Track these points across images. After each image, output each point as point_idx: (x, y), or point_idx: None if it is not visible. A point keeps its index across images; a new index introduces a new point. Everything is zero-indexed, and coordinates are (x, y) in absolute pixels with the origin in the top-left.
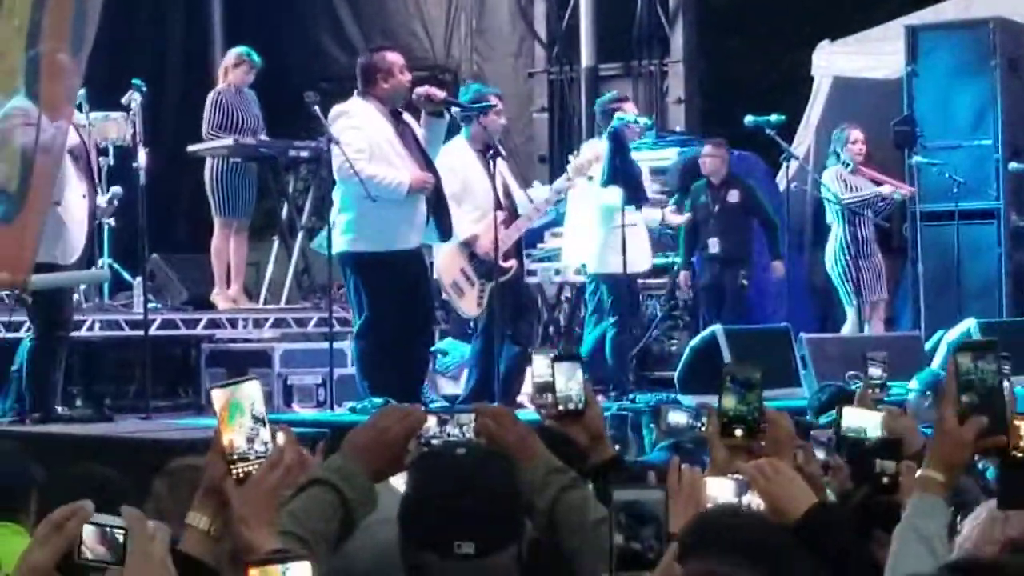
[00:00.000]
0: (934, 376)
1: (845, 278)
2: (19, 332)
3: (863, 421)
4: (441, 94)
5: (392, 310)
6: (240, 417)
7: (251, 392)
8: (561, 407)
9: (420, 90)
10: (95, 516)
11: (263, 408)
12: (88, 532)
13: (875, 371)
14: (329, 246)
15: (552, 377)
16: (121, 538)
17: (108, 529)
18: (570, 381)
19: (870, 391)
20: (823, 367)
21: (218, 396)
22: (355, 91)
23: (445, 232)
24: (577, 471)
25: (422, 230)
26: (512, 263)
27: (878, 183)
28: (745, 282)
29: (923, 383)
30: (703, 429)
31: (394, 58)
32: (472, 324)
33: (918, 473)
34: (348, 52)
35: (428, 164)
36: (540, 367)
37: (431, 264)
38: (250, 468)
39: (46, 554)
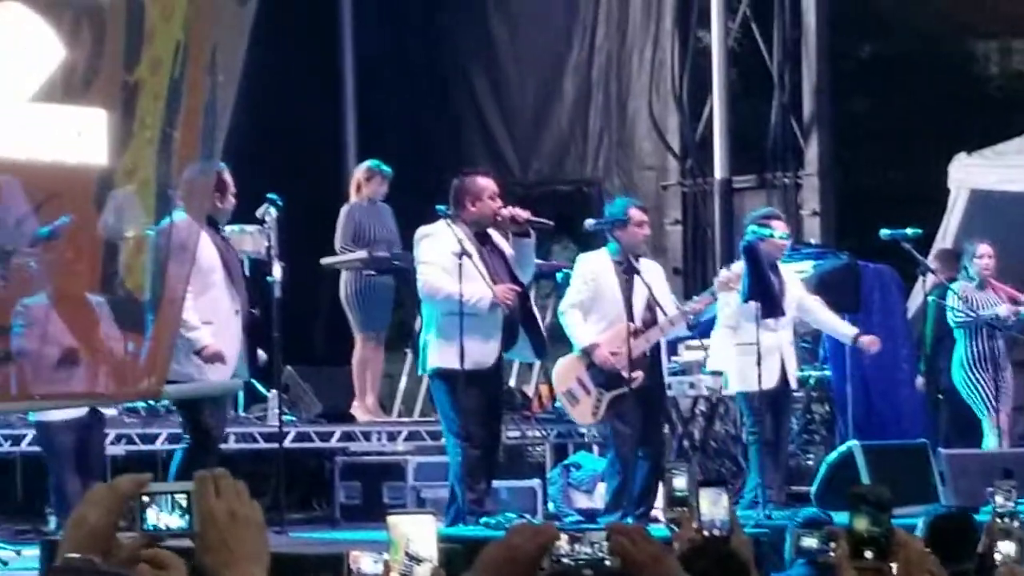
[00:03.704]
0: None
1: (973, 392)
2: (154, 444)
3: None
4: (524, 214)
5: (469, 424)
6: (394, 553)
7: (415, 528)
8: (706, 532)
9: (504, 211)
10: (157, 484)
11: (425, 546)
12: (149, 501)
13: (1001, 499)
14: (419, 364)
15: (694, 498)
16: (185, 503)
17: (170, 496)
18: (715, 506)
19: (998, 520)
20: (962, 483)
21: (390, 524)
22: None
23: (540, 349)
24: None
25: (498, 347)
26: (637, 374)
27: (1014, 299)
28: None
29: None
30: (833, 555)
31: (485, 183)
32: (604, 437)
33: None
34: (501, 168)
35: (516, 283)
36: (676, 481)
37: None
38: None
39: (104, 515)
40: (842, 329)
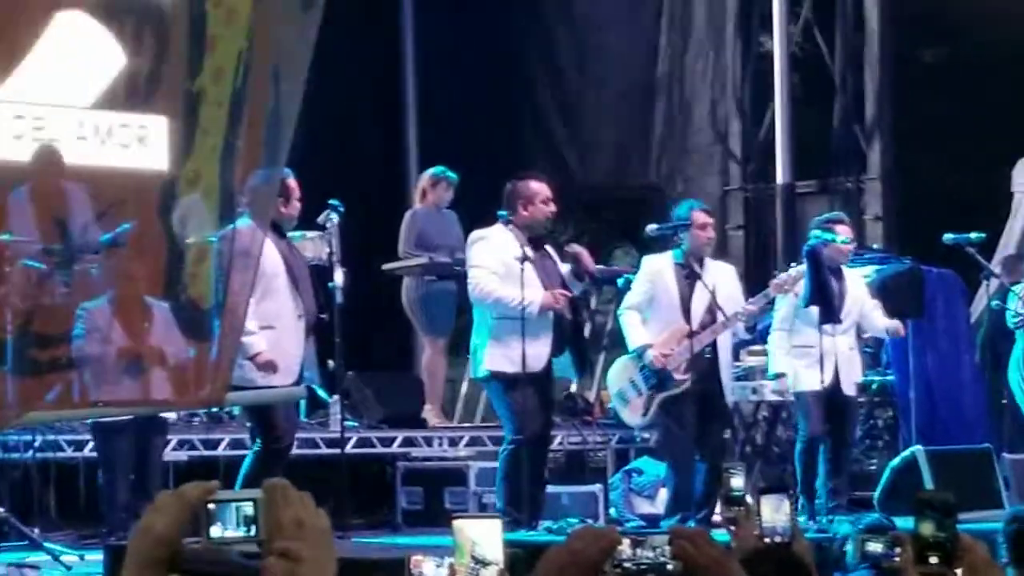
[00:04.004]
0: None
1: None
2: (216, 450)
3: None
4: (591, 265)
5: (522, 427)
6: (460, 557)
7: (481, 532)
8: (767, 539)
9: (575, 248)
10: (224, 492)
11: (491, 550)
12: (215, 509)
13: None
14: (472, 368)
15: (752, 498)
16: (251, 511)
17: (236, 504)
18: (777, 513)
19: None
20: None
21: (456, 528)
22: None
23: (580, 365)
24: None
25: (548, 350)
26: (685, 376)
27: None
28: None
29: None
30: (898, 560)
31: (538, 187)
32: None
33: None
34: (563, 175)
35: (567, 290)
36: (733, 481)
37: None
38: None
39: (170, 523)
40: (879, 323)
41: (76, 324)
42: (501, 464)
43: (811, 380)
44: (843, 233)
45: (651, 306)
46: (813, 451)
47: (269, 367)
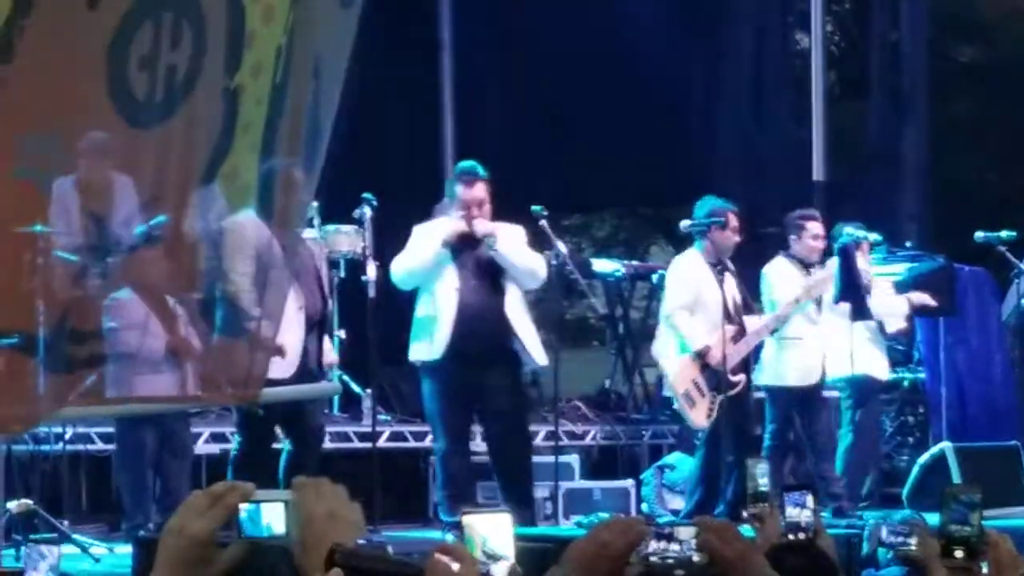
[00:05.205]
0: None
1: None
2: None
3: None
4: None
5: None
6: (472, 552)
7: (492, 526)
8: (791, 536)
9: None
10: (257, 493)
11: (502, 544)
12: (250, 511)
13: None
14: None
15: (776, 495)
16: (283, 511)
17: (269, 504)
18: (800, 509)
19: None
20: None
21: (465, 523)
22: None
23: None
24: None
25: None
26: (741, 377)
27: None
28: None
29: None
30: (913, 547)
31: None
32: (698, 438)
33: None
34: (598, 171)
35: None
36: (758, 477)
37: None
38: None
39: (205, 524)
40: None
41: (104, 316)
42: None
43: (801, 376)
44: (815, 229)
45: (696, 306)
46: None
47: (276, 352)
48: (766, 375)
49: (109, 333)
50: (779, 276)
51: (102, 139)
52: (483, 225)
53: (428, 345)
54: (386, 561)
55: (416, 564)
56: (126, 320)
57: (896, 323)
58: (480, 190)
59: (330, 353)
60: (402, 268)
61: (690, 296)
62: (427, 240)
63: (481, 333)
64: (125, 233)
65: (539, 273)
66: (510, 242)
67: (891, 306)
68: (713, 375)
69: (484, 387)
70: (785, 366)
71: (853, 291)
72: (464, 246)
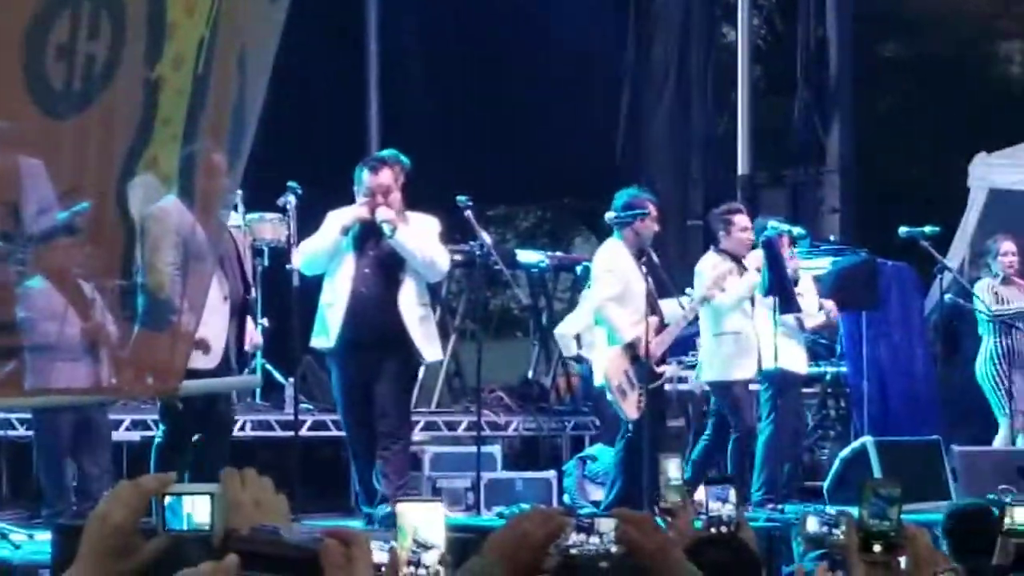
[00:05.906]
0: None
1: (996, 389)
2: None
3: None
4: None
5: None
6: (403, 540)
7: (423, 516)
8: (713, 529)
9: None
10: (181, 485)
11: (433, 534)
12: (172, 501)
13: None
14: None
15: (689, 488)
16: (208, 504)
17: (192, 496)
18: (722, 503)
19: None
20: (974, 480)
21: (398, 511)
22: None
23: None
24: None
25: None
26: (664, 368)
27: None
28: None
29: None
30: (840, 537)
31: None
32: (629, 429)
33: None
34: (524, 161)
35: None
36: (670, 471)
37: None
38: None
39: (124, 512)
40: None
41: (17, 306)
42: None
43: (743, 370)
44: (742, 222)
45: (624, 298)
46: (751, 444)
47: (200, 345)
48: (710, 371)
49: (24, 323)
50: (712, 271)
51: (5, 128)
52: (385, 213)
53: (325, 333)
54: (281, 545)
55: (311, 548)
56: (42, 310)
57: (813, 321)
58: (386, 177)
59: (255, 334)
60: (304, 253)
61: (619, 287)
62: (332, 225)
63: (373, 323)
64: (44, 220)
65: (440, 266)
66: (412, 232)
67: (808, 305)
68: (642, 367)
69: (378, 374)
70: (727, 361)
71: (780, 285)
72: (369, 234)
